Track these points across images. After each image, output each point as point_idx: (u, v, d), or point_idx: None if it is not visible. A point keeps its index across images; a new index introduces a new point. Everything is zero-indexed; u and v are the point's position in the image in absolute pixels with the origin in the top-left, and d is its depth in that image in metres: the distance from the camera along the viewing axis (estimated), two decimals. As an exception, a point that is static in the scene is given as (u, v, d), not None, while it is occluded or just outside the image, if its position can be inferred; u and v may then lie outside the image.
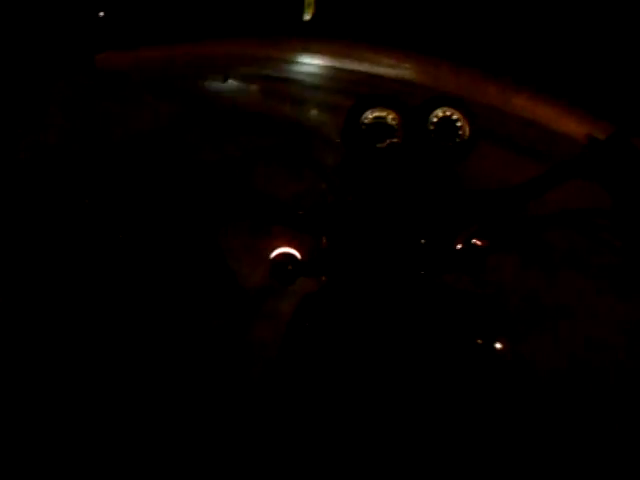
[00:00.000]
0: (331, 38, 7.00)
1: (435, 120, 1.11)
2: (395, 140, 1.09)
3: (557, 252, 2.82)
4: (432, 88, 6.28)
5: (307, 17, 7.65)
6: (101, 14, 7.47)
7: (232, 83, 5.16)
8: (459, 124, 1.11)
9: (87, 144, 3.68)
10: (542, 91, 6.31)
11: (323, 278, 1.11)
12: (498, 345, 1.04)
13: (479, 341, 1.04)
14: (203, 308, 2.34)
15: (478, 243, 1.08)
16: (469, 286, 1.11)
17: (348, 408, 1.00)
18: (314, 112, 4.96)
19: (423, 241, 1.05)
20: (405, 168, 1.10)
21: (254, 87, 5.02)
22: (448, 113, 1.11)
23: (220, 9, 7.25)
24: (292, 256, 1.05)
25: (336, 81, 5.76)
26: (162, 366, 2.15)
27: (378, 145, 1.08)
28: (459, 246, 1.08)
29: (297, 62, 6.69)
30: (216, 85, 5.13)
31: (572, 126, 5.54)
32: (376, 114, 1.09)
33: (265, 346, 1.83)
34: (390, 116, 1.09)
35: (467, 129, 1.11)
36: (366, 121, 1.09)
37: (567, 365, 2.28)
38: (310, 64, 6.75)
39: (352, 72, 6.40)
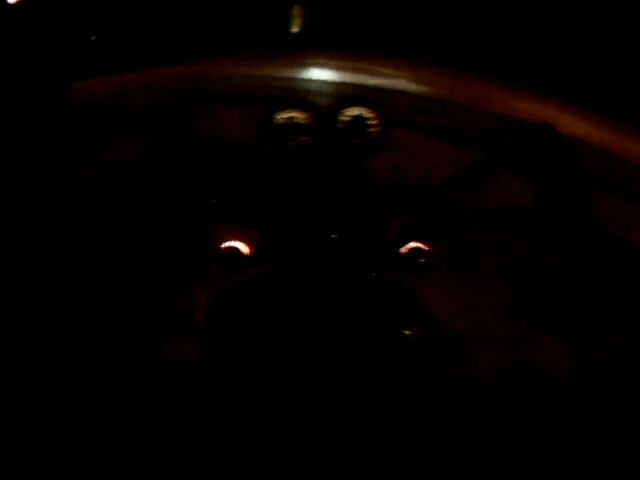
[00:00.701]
0: (321, 49, 6.69)
1: (345, 119, 1.16)
2: (305, 138, 1.14)
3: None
4: (428, 95, 5.98)
5: (295, 29, 7.32)
6: (92, 38, 7.29)
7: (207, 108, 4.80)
8: (369, 122, 1.16)
9: (53, 191, 3.47)
10: (538, 90, 6.04)
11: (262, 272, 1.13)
12: (408, 332, 1.11)
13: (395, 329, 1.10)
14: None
15: (417, 244, 1.11)
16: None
17: (271, 400, 1.06)
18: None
19: (334, 236, 1.09)
20: (317, 164, 1.16)
21: (235, 115, 4.66)
22: (359, 112, 1.16)
23: (202, 28, 6.98)
24: (237, 249, 1.08)
25: (326, 97, 5.39)
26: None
27: (289, 143, 1.14)
28: (395, 246, 1.11)
29: (284, 78, 6.35)
30: (196, 113, 4.79)
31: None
32: (287, 114, 1.15)
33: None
34: (301, 116, 1.14)
35: (378, 127, 1.16)
36: (278, 121, 1.15)
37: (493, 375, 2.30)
38: (299, 79, 6.41)
39: (346, 85, 6.06)
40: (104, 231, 3.18)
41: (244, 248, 1.09)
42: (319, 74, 6.50)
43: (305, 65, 6.64)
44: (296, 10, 7.44)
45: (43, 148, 4.03)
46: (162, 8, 7.42)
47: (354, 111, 1.17)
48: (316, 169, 1.17)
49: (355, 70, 6.34)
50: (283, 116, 1.16)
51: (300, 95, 5.81)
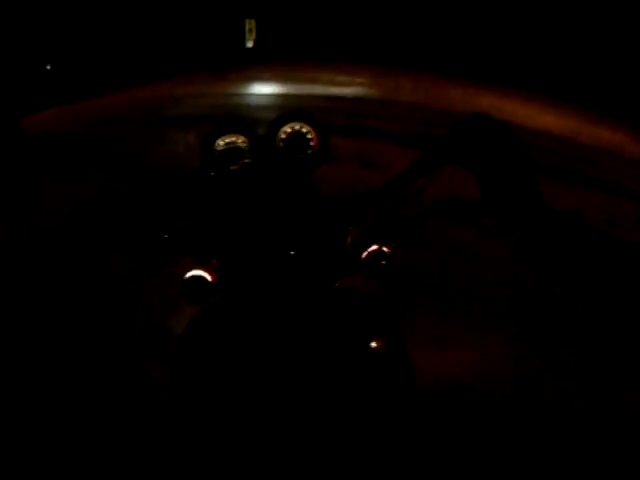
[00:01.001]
0: (271, 62, 6.55)
1: (284, 136, 1.20)
2: (247, 160, 1.18)
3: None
4: (392, 101, 5.86)
5: (249, 44, 7.18)
6: (48, 67, 7.13)
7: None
8: (308, 136, 1.19)
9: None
10: (509, 86, 5.96)
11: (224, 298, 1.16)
12: (374, 344, 1.11)
13: (357, 340, 1.11)
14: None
15: (376, 247, 1.13)
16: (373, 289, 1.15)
17: (241, 408, 1.08)
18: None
19: (292, 252, 1.11)
20: (262, 185, 1.19)
21: (190, 137, 4.50)
22: (297, 127, 1.19)
23: (156, 50, 6.82)
24: (201, 277, 1.09)
25: (278, 111, 5.24)
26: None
27: (232, 167, 1.17)
28: (354, 252, 1.13)
29: (236, 95, 6.20)
30: (152, 139, 4.62)
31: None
32: (227, 140, 1.19)
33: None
34: (239, 139, 1.18)
35: (316, 140, 1.19)
36: (218, 148, 1.19)
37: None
38: (256, 95, 6.26)
39: (303, 97, 5.92)
40: (61, 275, 3.05)
41: (208, 276, 1.10)
42: (269, 88, 6.36)
43: (257, 80, 6.50)
44: (249, 24, 7.31)
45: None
46: (114, 32, 7.28)
47: (291, 127, 1.20)
48: (263, 189, 1.19)
49: (309, 81, 6.22)
50: (222, 142, 1.19)
51: (255, 110, 5.67)
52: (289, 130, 1.21)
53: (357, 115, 5.26)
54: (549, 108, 5.68)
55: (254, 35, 7.42)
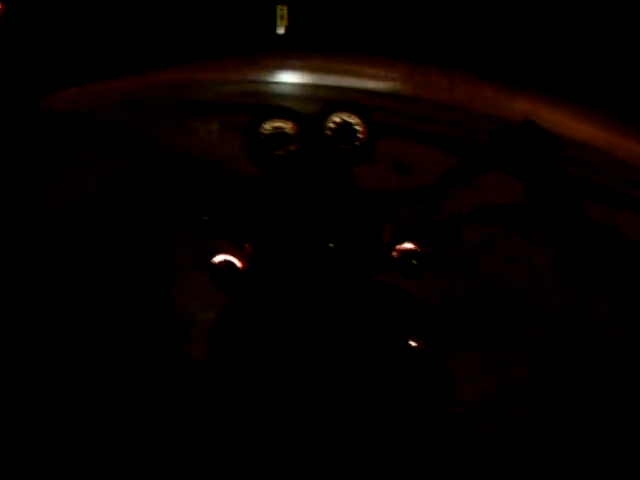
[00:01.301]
0: (305, 51, 6.36)
1: (332, 126, 1.16)
2: (292, 147, 1.14)
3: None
4: (425, 99, 5.67)
5: (281, 31, 7.01)
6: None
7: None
8: (357, 128, 1.16)
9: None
10: (545, 92, 5.78)
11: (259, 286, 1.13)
12: (409, 342, 1.12)
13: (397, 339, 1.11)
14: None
15: (409, 246, 1.12)
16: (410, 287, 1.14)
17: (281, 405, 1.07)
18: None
19: (331, 245, 1.09)
20: (306, 173, 1.15)
21: (214, 126, 4.31)
22: (345, 118, 1.16)
23: (184, 32, 6.68)
24: (231, 263, 1.09)
25: (315, 102, 5.06)
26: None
27: (277, 153, 1.14)
28: (388, 250, 1.12)
29: (267, 82, 6.01)
30: (175, 125, 4.45)
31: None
32: (274, 124, 1.15)
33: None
34: (288, 125, 1.14)
35: (365, 133, 1.16)
36: (264, 131, 1.14)
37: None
38: (285, 83, 6.08)
39: (333, 89, 5.74)
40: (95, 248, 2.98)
41: (237, 261, 1.10)
42: (299, 77, 6.17)
43: (288, 68, 6.32)
44: (281, 10, 7.13)
45: (10, 176, 3.75)
46: (142, 13, 7.15)
47: (340, 117, 1.17)
48: (307, 178, 1.16)
49: (341, 72, 6.04)
50: (269, 126, 1.15)
51: (283, 100, 5.50)
52: (338, 120, 1.17)
53: (389, 112, 5.07)
54: (586, 117, 5.49)
55: (285, 22, 7.24)
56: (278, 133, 1.15)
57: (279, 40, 6.98)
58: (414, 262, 1.12)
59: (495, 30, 6.39)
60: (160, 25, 6.98)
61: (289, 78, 6.19)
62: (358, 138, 1.17)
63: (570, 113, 5.49)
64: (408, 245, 1.13)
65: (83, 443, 1.97)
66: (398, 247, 1.13)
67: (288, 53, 6.47)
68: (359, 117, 1.17)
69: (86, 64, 6.10)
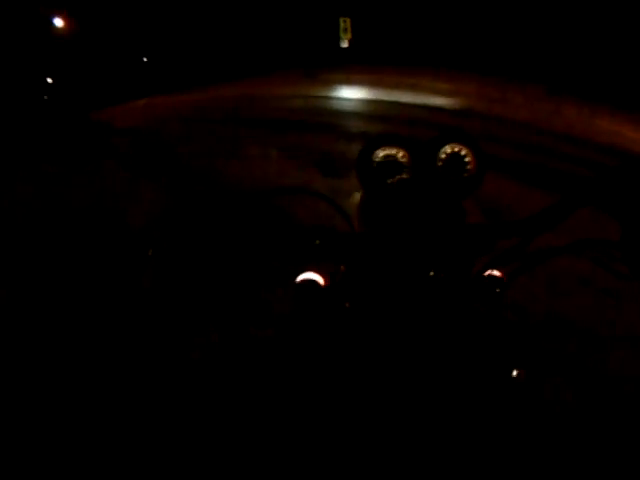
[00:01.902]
0: (373, 64, 6.02)
1: (444, 156, 1.17)
2: (404, 176, 1.17)
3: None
4: (499, 116, 5.27)
5: (344, 44, 6.72)
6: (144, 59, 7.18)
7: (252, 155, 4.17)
8: (467, 159, 1.17)
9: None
10: (625, 109, 5.34)
11: (347, 305, 1.17)
12: (515, 373, 1.12)
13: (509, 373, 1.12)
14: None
15: (496, 274, 1.15)
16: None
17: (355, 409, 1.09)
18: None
19: (432, 273, 1.12)
20: (415, 202, 1.18)
21: (274, 152, 3.95)
22: (456, 149, 1.17)
23: (240, 46, 6.49)
24: (315, 282, 1.16)
25: (380, 120, 4.70)
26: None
27: (389, 181, 1.17)
28: (478, 278, 1.15)
29: (331, 98, 5.70)
30: (232, 149, 4.17)
31: None
32: (386, 152, 1.18)
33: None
34: (400, 154, 1.18)
35: (474, 164, 1.17)
36: (377, 159, 1.18)
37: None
38: (348, 99, 5.75)
39: (399, 105, 5.40)
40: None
41: (320, 280, 1.15)
42: (366, 93, 5.83)
43: (351, 83, 6.01)
44: (344, 23, 6.83)
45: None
46: (203, 27, 7.04)
47: (452, 148, 1.17)
48: (417, 207, 1.18)
49: (404, 86, 5.68)
50: (382, 153, 1.18)
51: (345, 118, 5.17)
52: (449, 150, 1.17)
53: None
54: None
55: (349, 34, 6.93)
56: (390, 161, 1.17)
57: (342, 53, 6.69)
58: (497, 290, 1.14)
59: (572, 44, 5.98)
60: (224, 39, 6.84)
61: (352, 94, 5.88)
62: (467, 169, 1.17)
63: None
64: (496, 273, 1.15)
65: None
66: (487, 273, 1.15)
67: (351, 67, 6.16)
68: (470, 148, 1.16)
69: (151, 77, 5.99)
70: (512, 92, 5.65)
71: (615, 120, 5.33)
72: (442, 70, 6.00)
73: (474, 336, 1.16)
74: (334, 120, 4.97)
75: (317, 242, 1.16)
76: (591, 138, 4.91)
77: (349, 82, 6.00)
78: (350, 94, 5.90)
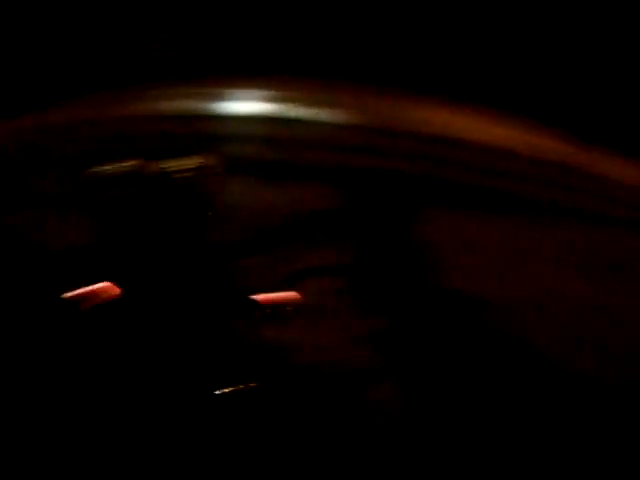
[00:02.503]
0: (271, 74, 5.52)
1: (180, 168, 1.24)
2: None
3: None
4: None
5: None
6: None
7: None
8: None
9: None
10: None
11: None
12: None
13: None
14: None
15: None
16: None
17: None
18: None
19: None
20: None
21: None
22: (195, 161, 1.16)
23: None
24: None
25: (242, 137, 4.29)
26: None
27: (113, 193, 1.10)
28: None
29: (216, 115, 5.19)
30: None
31: None
32: (117, 165, 1.11)
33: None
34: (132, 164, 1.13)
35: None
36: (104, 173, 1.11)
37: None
38: (235, 116, 5.22)
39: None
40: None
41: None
42: (261, 107, 5.36)
43: (236, 97, 5.48)
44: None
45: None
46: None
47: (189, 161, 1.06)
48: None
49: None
50: (110, 167, 1.09)
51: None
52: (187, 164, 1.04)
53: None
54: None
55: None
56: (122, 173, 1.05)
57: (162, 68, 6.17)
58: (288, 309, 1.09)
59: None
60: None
61: (238, 109, 5.35)
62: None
63: None
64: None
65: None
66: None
67: (237, 79, 5.61)
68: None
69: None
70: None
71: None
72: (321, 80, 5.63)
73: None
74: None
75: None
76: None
77: (236, 96, 5.48)
78: (235, 110, 5.40)
